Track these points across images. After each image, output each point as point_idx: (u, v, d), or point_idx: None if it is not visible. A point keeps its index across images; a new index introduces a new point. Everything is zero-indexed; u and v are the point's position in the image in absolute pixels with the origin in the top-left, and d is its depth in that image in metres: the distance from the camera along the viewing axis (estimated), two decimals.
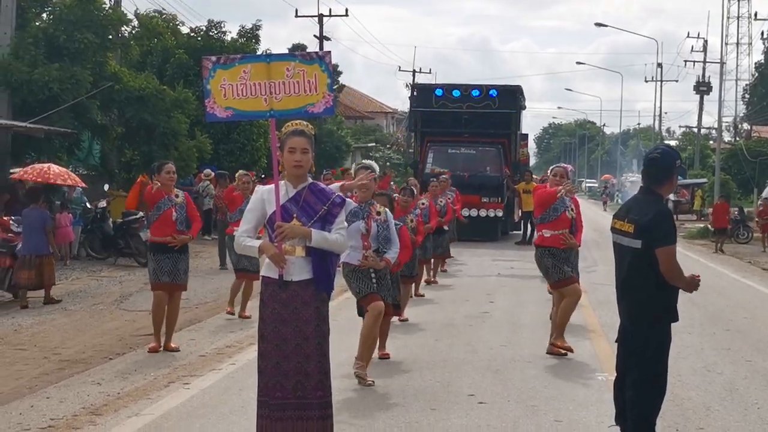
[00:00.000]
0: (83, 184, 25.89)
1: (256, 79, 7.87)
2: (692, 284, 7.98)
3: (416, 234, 15.29)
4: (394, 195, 15.59)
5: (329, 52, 8.06)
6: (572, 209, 13.43)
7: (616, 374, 8.41)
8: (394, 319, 15.31)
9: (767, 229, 36.91)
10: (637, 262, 8.01)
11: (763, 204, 37.69)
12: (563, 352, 13.22)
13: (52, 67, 27.69)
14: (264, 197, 7.81)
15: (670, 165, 8.22)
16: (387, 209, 11.48)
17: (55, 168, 24.02)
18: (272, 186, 7.76)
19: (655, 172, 8.20)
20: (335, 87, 8.16)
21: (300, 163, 7.68)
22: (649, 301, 7.98)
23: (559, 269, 13.36)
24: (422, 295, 19.43)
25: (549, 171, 13.97)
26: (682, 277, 7.93)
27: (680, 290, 8.06)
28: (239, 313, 16.50)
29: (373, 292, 11.23)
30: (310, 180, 7.86)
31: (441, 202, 21.93)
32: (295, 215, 7.65)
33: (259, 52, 35.11)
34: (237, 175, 17.71)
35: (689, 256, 31.71)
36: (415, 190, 16.24)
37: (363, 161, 11.79)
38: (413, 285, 18.36)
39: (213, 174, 34.23)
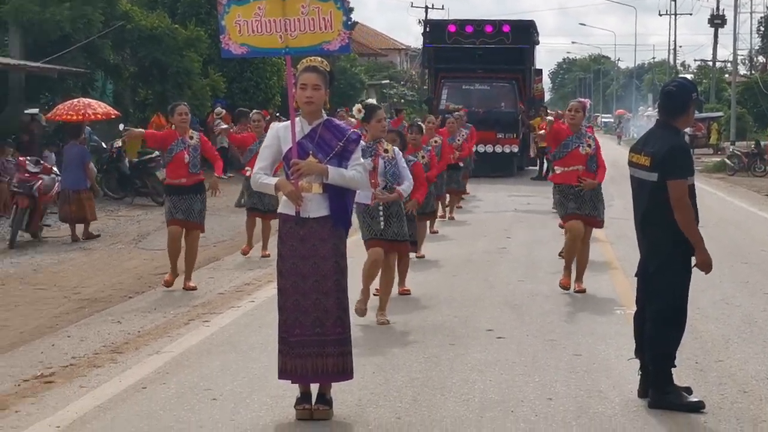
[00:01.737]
0: (117, 113, 26.56)
1: (270, 16, 7.83)
2: (702, 246, 7.91)
3: (429, 170, 15.24)
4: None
5: None
6: (589, 145, 13.22)
7: (636, 308, 8.42)
8: (411, 255, 15.36)
9: None
10: (654, 195, 8.00)
11: None
12: (569, 288, 13.20)
13: (64, 6, 27.58)
14: (280, 134, 7.79)
15: (686, 98, 8.17)
16: (395, 148, 11.41)
17: (84, 100, 25.32)
18: (288, 123, 7.75)
19: (671, 106, 8.17)
20: (350, 24, 8.10)
21: (311, 99, 7.64)
22: (668, 234, 7.96)
23: (563, 205, 13.28)
24: (436, 232, 19.38)
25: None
26: (690, 218, 7.87)
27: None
28: (261, 253, 16.48)
29: (374, 237, 11.13)
30: (325, 116, 7.83)
31: (457, 139, 21.93)
32: (311, 152, 7.63)
33: None
34: (251, 114, 17.60)
35: (706, 190, 31.61)
36: (423, 127, 16.13)
37: (368, 101, 11.73)
38: (429, 222, 18.35)
39: (224, 112, 34.11)
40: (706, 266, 7.98)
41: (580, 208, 13.11)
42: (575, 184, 13.06)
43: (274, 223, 16.50)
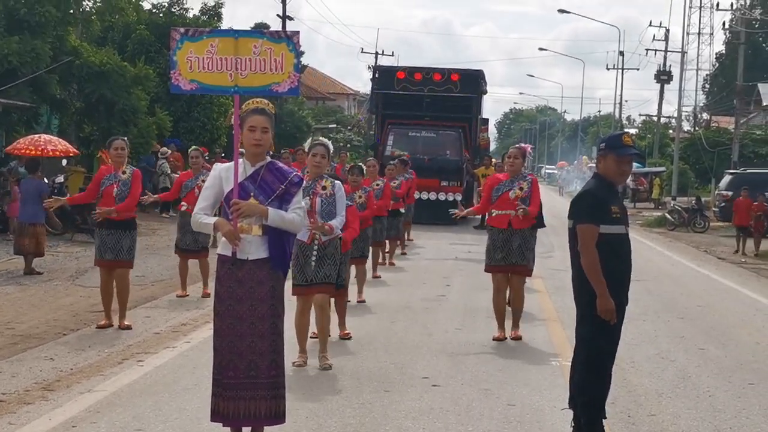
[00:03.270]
0: (75, 151, 27.09)
1: (222, 54, 7.84)
2: (603, 292, 7.92)
3: (365, 209, 15.18)
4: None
5: (298, 32, 8.03)
6: (521, 188, 13.20)
7: (573, 357, 8.44)
8: (353, 300, 15.33)
9: (760, 229, 31.43)
10: (573, 243, 8.12)
11: (759, 200, 31.45)
12: (502, 338, 13.27)
13: (12, 39, 27.48)
14: (222, 175, 7.78)
15: (597, 145, 8.44)
16: (336, 182, 11.31)
17: (45, 137, 25.66)
18: (230, 164, 7.74)
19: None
20: (300, 67, 8.12)
21: (260, 142, 7.65)
22: (586, 282, 8.01)
23: (490, 254, 13.31)
24: (379, 277, 19.43)
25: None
26: (594, 264, 7.90)
27: (630, 272, 8.14)
28: (203, 292, 16.38)
29: (301, 284, 10.98)
30: (268, 159, 7.83)
31: (395, 183, 22.03)
32: (252, 193, 7.62)
33: None
34: (189, 151, 17.55)
35: (646, 244, 31.88)
36: (364, 168, 16.13)
37: (319, 138, 11.68)
38: (371, 266, 18.35)
39: (169, 152, 34.07)
40: (606, 314, 7.93)
41: (506, 257, 13.14)
42: (505, 228, 13.11)
43: (211, 261, 16.46)
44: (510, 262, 13.14)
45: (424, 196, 34.41)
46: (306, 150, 11.44)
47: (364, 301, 16.01)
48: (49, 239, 24.12)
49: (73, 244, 23.95)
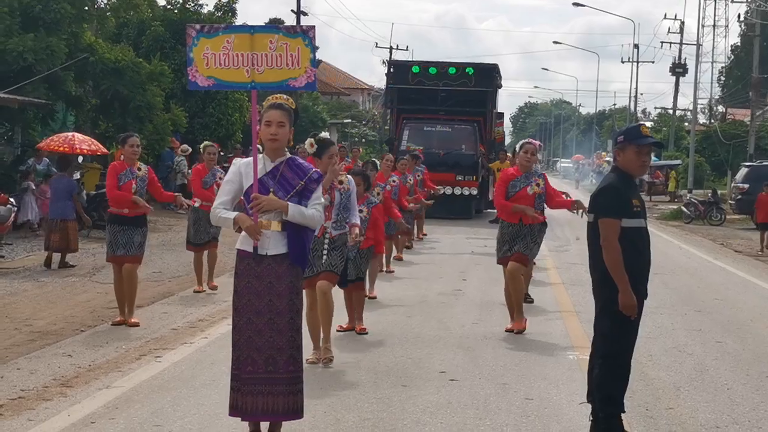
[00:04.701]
0: (105, 150, 27.50)
1: (239, 50, 7.85)
2: (625, 288, 7.88)
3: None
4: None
5: (313, 27, 8.01)
6: (537, 185, 13.32)
7: (591, 351, 8.43)
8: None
9: None
10: (593, 237, 8.10)
11: None
12: (514, 331, 13.31)
13: (27, 37, 27.50)
14: (241, 170, 7.80)
15: (615, 138, 8.39)
16: (349, 177, 11.38)
17: (79, 136, 25.91)
18: (250, 159, 7.75)
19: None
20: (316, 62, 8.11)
21: (276, 136, 7.67)
22: (606, 276, 7.99)
23: (500, 246, 13.45)
24: (392, 271, 19.42)
25: (518, 146, 13.92)
26: (617, 259, 7.87)
27: (650, 266, 8.12)
28: (207, 284, 16.43)
29: (310, 276, 10.80)
30: (288, 155, 7.85)
31: (409, 179, 22.03)
32: (271, 189, 7.64)
33: None
34: (203, 146, 17.31)
35: (662, 237, 31.80)
36: (378, 164, 16.13)
37: (322, 134, 11.65)
38: (382, 260, 18.32)
39: (190, 150, 34.08)
40: (627, 309, 7.90)
41: (511, 249, 13.29)
42: (515, 223, 13.19)
43: (221, 254, 16.49)
44: (513, 251, 13.24)
45: (440, 190, 34.37)
46: (306, 149, 11.20)
47: (374, 298, 15.91)
48: None
49: (89, 241, 23.97)
